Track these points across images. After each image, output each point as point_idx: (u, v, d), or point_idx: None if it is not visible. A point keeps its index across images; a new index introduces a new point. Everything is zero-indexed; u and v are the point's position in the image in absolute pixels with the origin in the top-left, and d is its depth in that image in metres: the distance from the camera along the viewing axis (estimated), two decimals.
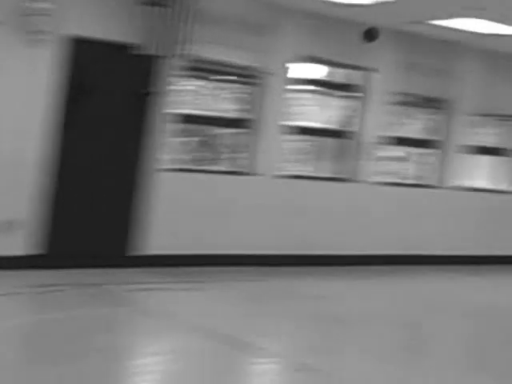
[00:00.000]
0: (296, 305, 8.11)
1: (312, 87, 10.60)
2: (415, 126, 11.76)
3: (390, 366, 6.12)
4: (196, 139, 9.87)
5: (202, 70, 9.47)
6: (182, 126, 9.36)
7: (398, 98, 11.04)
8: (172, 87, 9.09)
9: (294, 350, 6.46)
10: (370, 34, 10.43)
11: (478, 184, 12.25)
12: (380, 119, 10.87)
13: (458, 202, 11.74)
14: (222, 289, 8.57)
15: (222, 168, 9.92)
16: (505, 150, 12.48)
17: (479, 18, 9.42)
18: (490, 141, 12.50)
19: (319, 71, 10.57)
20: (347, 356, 6.42)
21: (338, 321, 7.55)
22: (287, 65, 9.97)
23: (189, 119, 9.45)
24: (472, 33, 10.36)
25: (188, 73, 9.29)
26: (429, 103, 11.57)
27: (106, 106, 8.73)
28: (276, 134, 9.98)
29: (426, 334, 7.69)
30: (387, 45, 10.70)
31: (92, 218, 8.73)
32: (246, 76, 9.80)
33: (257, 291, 8.63)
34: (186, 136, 9.64)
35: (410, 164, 11.83)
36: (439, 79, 11.36)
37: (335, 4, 9.34)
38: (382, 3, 9.12)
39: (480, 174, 12.43)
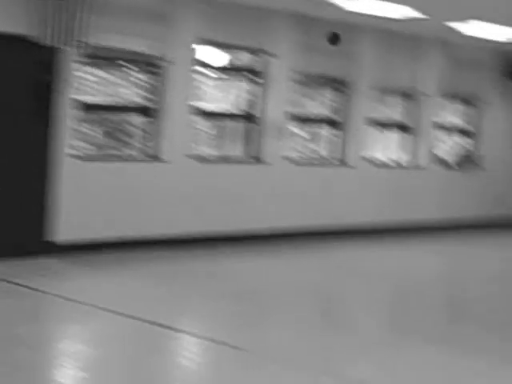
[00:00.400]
0: (214, 283, 8.20)
1: (215, 72, 10.70)
2: (318, 105, 12.00)
3: (310, 338, 6.23)
4: (102, 127, 9.83)
5: (104, 58, 9.49)
6: (86, 114, 9.36)
7: (299, 79, 11.22)
8: (74, 76, 9.03)
9: (214, 329, 6.51)
10: (334, 38, 11.26)
11: (381, 159, 12.60)
12: (283, 100, 11.05)
13: (362, 177, 12.07)
14: (135, 273, 8.57)
15: (131, 154, 9.91)
16: (404, 125, 12.85)
17: None
18: (390, 117, 12.87)
19: (221, 56, 10.66)
20: (267, 331, 6.48)
21: (257, 297, 7.65)
22: (189, 51, 10.03)
23: (93, 108, 9.46)
24: (368, 15, 10.63)
25: (90, 61, 9.26)
26: (330, 83, 11.82)
27: (6, 97, 8.59)
28: (182, 119, 10.05)
29: (344, 303, 7.83)
30: (286, 27, 10.88)
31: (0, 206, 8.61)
32: (148, 64, 9.82)
33: (171, 273, 8.67)
34: (91, 124, 9.60)
35: (316, 143, 12.06)
36: (338, 59, 11.60)
37: None
38: None
39: (382, 148, 12.79)
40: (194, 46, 10.04)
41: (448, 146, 13.86)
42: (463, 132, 13.93)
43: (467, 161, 13.71)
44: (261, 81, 10.85)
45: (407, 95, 12.76)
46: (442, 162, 13.40)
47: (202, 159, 10.39)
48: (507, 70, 13.79)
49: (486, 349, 5.96)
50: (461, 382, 5.13)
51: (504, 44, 12.51)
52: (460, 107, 13.92)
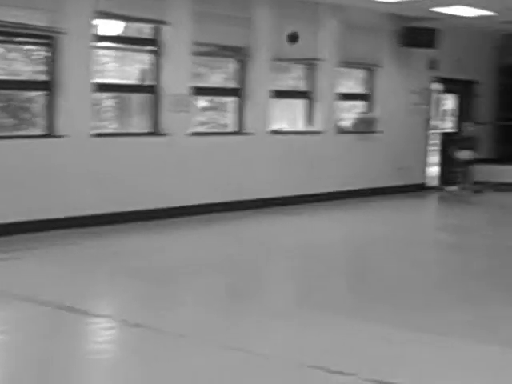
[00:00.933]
0: (122, 263, 8.05)
1: (111, 43, 10.45)
2: (217, 75, 11.89)
3: (217, 313, 6.20)
4: None
5: None
6: None
7: (197, 49, 11.06)
8: None
9: (124, 309, 6.43)
10: (293, 38, 11.91)
11: (284, 127, 12.64)
12: (182, 71, 10.89)
13: (266, 145, 12.07)
14: (42, 255, 8.32)
15: (29, 132, 9.59)
16: (304, 91, 12.90)
17: None
18: (291, 85, 12.90)
19: (116, 27, 10.40)
20: (174, 309, 6.39)
21: (166, 275, 7.57)
22: (86, 23, 9.71)
23: None
24: None
25: None
26: (227, 51, 11.71)
27: None
28: (80, 94, 9.75)
29: (251, 277, 7.81)
30: None
31: None
32: (44, 37, 9.44)
33: (79, 254, 8.43)
34: None
35: (218, 113, 11.98)
36: (235, 27, 11.50)
37: None
38: None
39: (285, 117, 12.83)
40: (91, 18, 9.73)
41: (346, 112, 14.03)
42: (360, 96, 14.12)
43: (365, 124, 13.91)
44: (160, 52, 10.64)
45: (305, 63, 12.80)
46: (342, 128, 13.56)
47: (102, 134, 10.13)
48: (400, 34, 14.03)
49: (385, 316, 6.09)
50: (363, 349, 5.21)
51: (394, 5, 12.67)
52: (356, 72, 14.09)
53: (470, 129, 14.72)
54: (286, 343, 5.40)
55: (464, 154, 14.01)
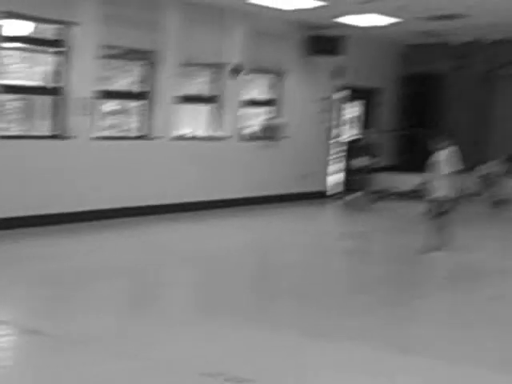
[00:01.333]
0: (27, 267, 7.96)
1: (18, 44, 10.25)
2: (125, 78, 11.84)
3: (119, 321, 6.20)
4: None
5: None
6: None
7: (105, 52, 11.01)
8: None
9: (23, 315, 6.35)
10: (236, 71, 12.47)
11: (191, 133, 12.69)
12: (89, 73, 10.83)
13: (172, 151, 12.10)
14: None
15: None
16: (210, 97, 12.99)
17: None
18: (198, 90, 12.96)
19: (24, 27, 10.23)
20: (76, 316, 6.33)
21: (71, 280, 7.51)
22: None
23: None
24: None
25: None
26: (135, 55, 11.69)
27: None
28: None
29: (157, 284, 7.84)
30: None
31: None
32: None
33: None
34: None
35: (125, 117, 11.93)
36: (144, 31, 11.50)
37: None
38: None
39: (192, 122, 12.88)
40: None
41: (254, 118, 14.19)
42: (267, 103, 14.30)
43: (271, 131, 14.10)
44: (67, 54, 10.54)
45: (213, 68, 12.89)
46: (248, 134, 13.71)
47: (5, 136, 9.97)
48: (306, 42, 14.28)
49: (292, 323, 6.22)
50: (266, 357, 5.32)
51: (300, 14, 12.89)
52: (264, 79, 14.26)
53: (371, 136, 15.12)
54: (186, 350, 5.44)
55: (359, 162, 14.39)
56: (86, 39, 10.68)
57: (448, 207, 9.16)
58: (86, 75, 10.76)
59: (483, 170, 14.13)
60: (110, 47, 11.10)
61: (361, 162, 14.36)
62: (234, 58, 12.94)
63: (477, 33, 15.43)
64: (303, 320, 6.29)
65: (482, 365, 5.25)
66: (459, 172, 9.21)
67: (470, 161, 15.95)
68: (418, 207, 9.49)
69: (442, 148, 9.09)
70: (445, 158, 9.03)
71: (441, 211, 9.12)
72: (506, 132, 16.57)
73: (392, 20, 13.54)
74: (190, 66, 12.43)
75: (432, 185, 9.19)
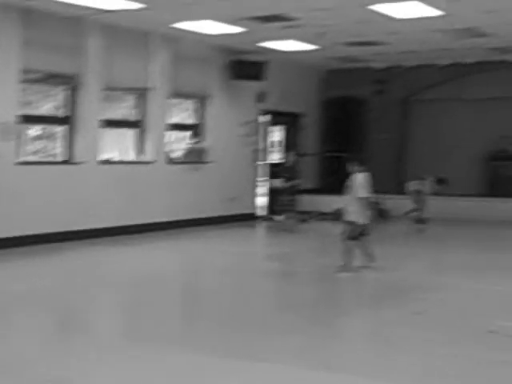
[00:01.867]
0: None
1: None
2: (49, 103, 11.73)
3: (41, 347, 6.07)
4: None
5: None
6: None
7: (26, 76, 10.88)
8: None
9: None
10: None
11: (114, 157, 12.63)
12: (10, 98, 10.68)
13: (96, 175, 12.01)
14: None
15: None
16: (135, 121, 12.96)
17: None
18: (122, 114, 12.93)
19: None
20: None
21: None
22: None
23: None
24: (94, 8, 10.59)
25: None
26: (57, 79, 11.61)
27: None
28: None
29: (83, 309, 7.68)
30: (7, 21, 10.51)
31: None
32: None
33: None
34: None
35: (50, 142, 11.80)
36: (65, 55, 11.44)
37: None
38: None
39: (115, 146, 12.82)
40: None
41: (177, 142, 14.21)
42: (191, 127, 14.35)
43: (196, 155, 14.14)
44: None
45: (136, 92, 12.88)
46: (172, 158, 13.71)
47: None
48: (229, 66, 14.41)
49: (217, 345, 6.21)
50: (188, 382, 5.29)
51: (223, 38, 13.03)
52: (187, 103, 14.32)
53: (291, 160, 15.32)
54: (110, 377, 5.36)
55: (280, 184, 14.56)
56: (6, 63, 10.56)
57: (361, 230, 9.26)
58: (7, 99, 10.61)
59: (411, 186, 14.40)
60: (30, 71, 10.98)
61: (281, 184, 14.54)
62: (156, 82, 12.96)
63: (395, 59, 15.87)
64: (228, 342, 6.27)
65: (405, 379, 5.34)
66: (371, 197, 9.32)
67: (391, 181, 16.40)
68: (339, 228, 9.62)
69: (358, 171, 9.21)
70: (360, 181, 9.14)
71: (354, 234, 9.21)
72: (422, 152, 17.04)
73: (311, 46, 13.82)
74: (113, 90, 12.40)
75: (346, 208, 9.31)
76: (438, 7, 10.59)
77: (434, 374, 5.42)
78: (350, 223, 9.25)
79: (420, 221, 14.26)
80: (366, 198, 9.18)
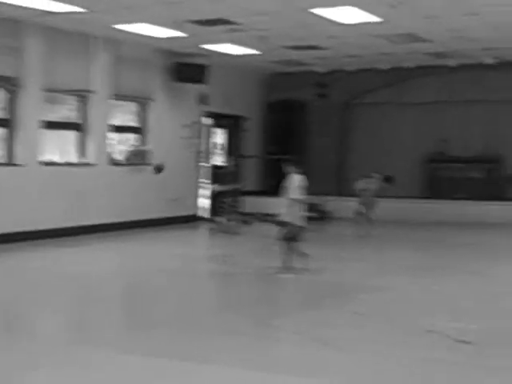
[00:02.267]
0: None
1: None
2: None
3: None
4: None
5: None
6: None
7: None
8: None
9: None
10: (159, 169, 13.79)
11: (55, 159, 12.52)
12: None
13: (36, 177, 11.91)
14: None
15: None
16: (76, 123, 12.87)
17: None
18: (63, 116, 12.82)
19: None
20: None
21: None
22: None
23: None
24: (34, 10, 10.51)
25: None
26: None
27: None
28: None
29: (28, 314, 7.57)
30: None
31: None
32: None
33: None
34: None
35: None
36: (4, 57, 11.32)
37: None
38: None
39: (57, 148, 12.71)
40: None
41: (119, 144, 14.15)
42: (133, 129, 14.32)
43: (138, 157, 14.10)
44: None
45: (77, 94, 12.80)
46: (115, 160, 13.66)
47: None
48: (172, 69, 14.42)
49: (162, 348, 6.23)
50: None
51: (165, 41, 13.03)
52: (129, 105, 14.28)
53: (233, 162, 15.37)
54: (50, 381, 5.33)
55: (221, 186, 14.62)
56: None
57: (295, 232, 9.29)
58: None
59: (359, 185, 14.43)
60: None
61: (223, 186, 14.59)
62: (98, 84, 12.90)
63: (337, 63, 16.06)
64: (170, 343, 6.29)
65: (341, 379, 5.44)
66: (306, 199, 9.35)
67: (332, 183, 16.59)
68: (277, 230, 9.69)
69: (294, 173, 9.25)
70: (295, 183, 9.18)
71: (291, 235, 9.26)
72: (363, 155, 17.27)
73: (254, 51, 13.92)
74: (54, 92, 12.30)
75: (282, 209, 9.35)
76: (376, 14, 10.77)
77: (369, 373, 5.53)
78: (286, 224, 9.31)
79: (368, 221, 14.27)
80: (300, 199, 9.22)
